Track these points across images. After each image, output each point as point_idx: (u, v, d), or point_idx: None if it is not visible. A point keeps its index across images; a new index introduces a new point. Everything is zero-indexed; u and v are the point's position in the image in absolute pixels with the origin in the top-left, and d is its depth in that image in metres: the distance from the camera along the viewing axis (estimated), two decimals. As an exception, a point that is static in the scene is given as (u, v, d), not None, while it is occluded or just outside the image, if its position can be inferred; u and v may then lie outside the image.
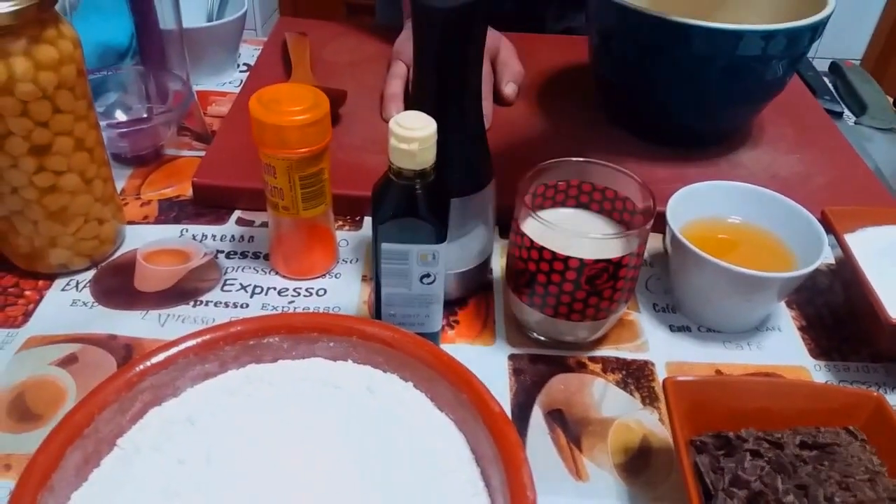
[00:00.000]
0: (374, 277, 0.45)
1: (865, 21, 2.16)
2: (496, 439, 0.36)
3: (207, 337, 0.41)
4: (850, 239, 0.52)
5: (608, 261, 0.43)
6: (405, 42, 0.72)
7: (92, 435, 0.37)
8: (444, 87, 0.43)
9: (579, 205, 0.50)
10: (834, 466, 0.37)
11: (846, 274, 0.52)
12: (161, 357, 0.39)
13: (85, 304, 0.51)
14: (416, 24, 0.42)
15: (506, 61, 0.71)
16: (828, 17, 0.59)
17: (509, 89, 0.70)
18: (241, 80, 0.76)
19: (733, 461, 0.37)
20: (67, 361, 0.47)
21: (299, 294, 0.52)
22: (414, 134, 0.38)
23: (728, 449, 0.38)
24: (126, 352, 0.47)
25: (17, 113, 0.44)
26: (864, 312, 0.50)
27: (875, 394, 0.39)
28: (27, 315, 0.49)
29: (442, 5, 0.40)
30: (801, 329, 0.52)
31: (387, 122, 0.67)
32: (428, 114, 0.40)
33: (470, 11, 0.41)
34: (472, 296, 0.53)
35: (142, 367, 0.39)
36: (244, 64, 0.81)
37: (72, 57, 0.45)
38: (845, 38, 1.94)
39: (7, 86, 0.43)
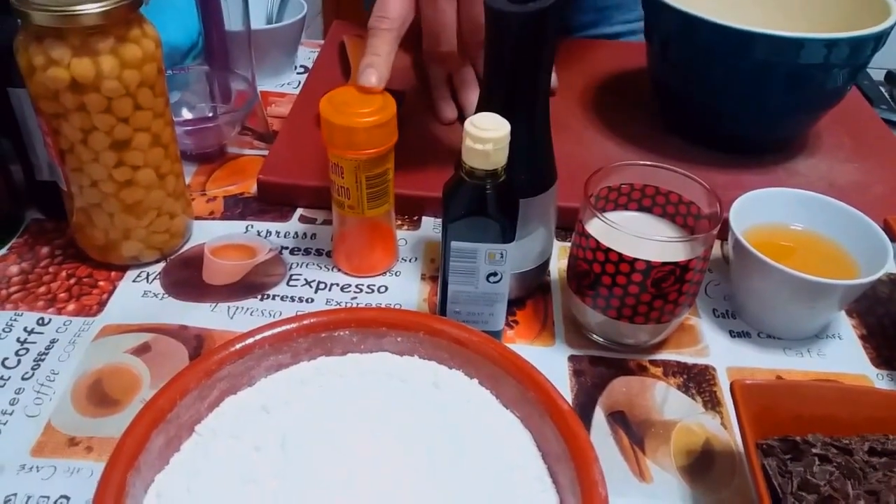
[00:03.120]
0: (440, 275, 0.46)
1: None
2: (565, 437, 0.37)
3: (282, 329, 0.42)
4: (914, 248, 0.51)
5: (675, 264, 0.43)
6: None
7: (174, 420, 0.38)
8: (515, 90, 0.44)
9: (641, 208, 0.50)
10: (905, 474, 0.36)
11: (909, 283, 0.52)
12: (238, 347, 0.41)
13: (155, 295, 0.52)
14: (490, 29, 0.43)
15: None
16: (892, 27, 0.59)
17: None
18: (299, 82, 0.78)
19: (801, 465, 0.37)
20: (141, 350, 0.48)
21: (361, 290, 0.53)
22: (488, 135, 0.39)
23: (795, 453, 0.38)
24: (197, 342, 0.49)
25: (101, 109, 0.46)
26: (928, 322, 0.49)
27: (945, 403, 0.39)
28: (101, 305, 0.51)
29: (517, 10, 0.41)
30: (861, 338, 0.52)
31: (443, 123, 0.68)
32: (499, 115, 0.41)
33: (543, 16, 0.41)
34: (531, 296, 0.54)
35: (220, 355, 0.40)
36: (301, 66, 0.82)
37: (153, 56, 0.47)
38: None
39: (94, 83, 0.45)
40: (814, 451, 0.38)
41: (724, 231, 0.50)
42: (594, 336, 0.50)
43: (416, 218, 0.60)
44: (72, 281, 0.53)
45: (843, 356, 0.50)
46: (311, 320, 0.42)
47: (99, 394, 0.45)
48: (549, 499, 0.37)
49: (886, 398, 0.41)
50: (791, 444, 0.39)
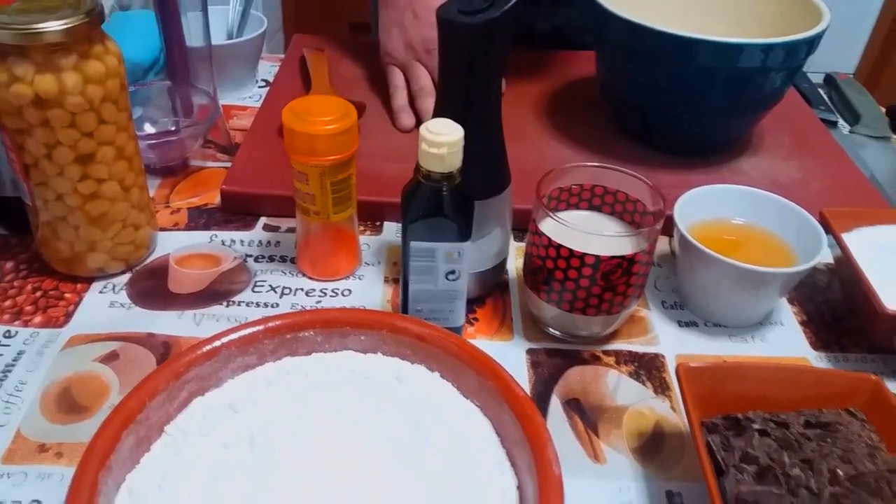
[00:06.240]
0: (402, 275, 0.48)
1: (858, 35, 2.21)
2: (522, 421, 0.39)
3: (248, 331, 0.43)
4: (847, 238, 0.55)
5: (622, 257, 0.46)
6: (393, 39, 0.73)
7: (143, 421, 0.39)
8: (469, 97, 0.46)
9: (592, 207, 0.53)
10: (836, 443, 0.39)
11: (844, 271, 0.55)
12: (205, 349, 0.42)
13: (122, 305, 0.53)
14: (443, 39, 0.45)
15: None
16: (823, 31, 0.62)
17: None
18: (261, 95, 0.79)
19: (742, 440, 0.40)
20: (109, 358, 0.49)
21: (326, 294, 0.55)
22: (443, 139, 0.41)
23: (737, 429, 0.41)
24: (164, 349, 0.50)
25: (65, 124, 0.47)
26: (861, 306, 0.52)
27: (873, 377, 0.42)
28: (68, 316, 0.52)
29: (467, 21, 0.43)
30: (802, 323, 0.55)
31: (402, 131, 0.70)
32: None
33: (494, 27, 0.44)
34: (490, 295, 0.56)
35: (188, 358, 0.41)
36: (262, 79, 0.84)
37: (116, 71, 0.48)
38: (839, 52, 1.99)
39: (58, 98, 0.46)
40: (754, 426, 0.40)
41: (671, 227, 0.53)
42: (550, 329, 0.52)
43: (378, 224, 0.62)
44: (38, 294, 0.54)
45: (785, 341, 0.53)
46: (277, 322, 0.44)
47: (68, 401, 0.46)
48: (508, 481, 0.39)
49: (821, 375, 0.44)
50: (734, 422, 0.41)
